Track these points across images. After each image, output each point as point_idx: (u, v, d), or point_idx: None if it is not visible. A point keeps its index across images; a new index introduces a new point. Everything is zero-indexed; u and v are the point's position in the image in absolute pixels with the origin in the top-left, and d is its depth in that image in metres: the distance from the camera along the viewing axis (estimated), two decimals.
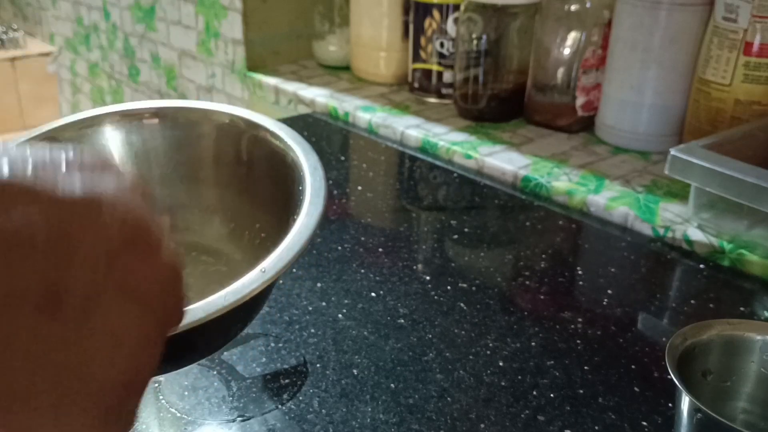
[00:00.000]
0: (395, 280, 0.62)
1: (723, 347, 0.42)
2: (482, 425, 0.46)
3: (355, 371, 0.51)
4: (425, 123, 0.94)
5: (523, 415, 0.47)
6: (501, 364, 0.52)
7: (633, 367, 0.52)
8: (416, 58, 1.02)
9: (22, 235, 0.17)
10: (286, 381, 0.50)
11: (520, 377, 0.51)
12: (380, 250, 0.67)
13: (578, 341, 0.55)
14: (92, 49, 1.71)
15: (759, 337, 0.42)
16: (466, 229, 0.72)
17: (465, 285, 0.62)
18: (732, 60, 0.73)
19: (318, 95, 1.04)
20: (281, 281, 0.61)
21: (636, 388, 0.50)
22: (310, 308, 0.58)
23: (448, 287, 0.61)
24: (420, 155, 0.89)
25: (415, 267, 0.65)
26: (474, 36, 0.91)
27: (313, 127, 0.99)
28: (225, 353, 0.53)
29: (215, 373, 0.51)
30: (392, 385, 0.50)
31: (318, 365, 0.52)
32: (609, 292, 0.62)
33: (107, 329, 0.19)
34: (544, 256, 0.67)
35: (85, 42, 1.73)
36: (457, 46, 0.94)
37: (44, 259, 0.17)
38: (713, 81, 0.75)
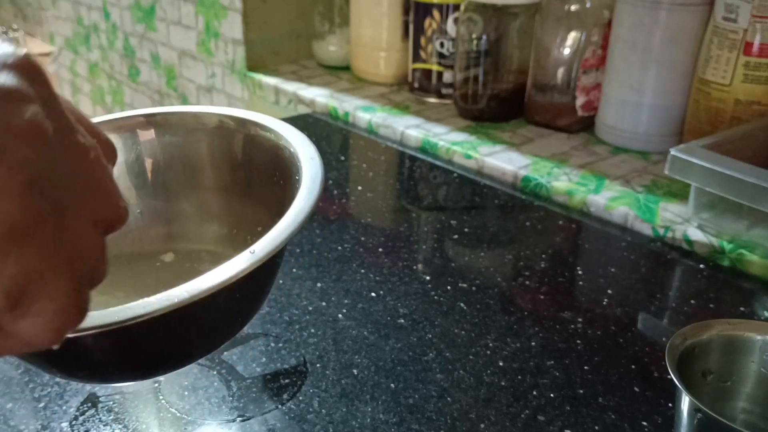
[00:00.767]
0: (395, 280, 0.62)
1: (723, 347, 0.42)
2: (482, 425, 0.46)
3: (355, 371, 0.51)
4: (425, 123, 0.94)
5: (523, 415, 0.47)
6: (501, 364, 0.52)
7: (633, 367, 0.52)
8: (416, 58, 1.02)
9: None
10: (286, 381, 0.50)
11: (520, 377, 0.51)
12: (380, 250, 0.67)
13: (578, 341, 0.55)
14: (92, 49, 1.71)
15: (759, 337, 0.42)
16: (466, 229, 0.72)
17: (465, 285, 0.62)
18: (732, 60, 0.73)
19: (318, 95, 1.04)
20: (281, 281, 0.61)
21: (636, 388, 0.50)
22: (310, 308, 0.58)
23: (448, 287, 0.61)
24: (420, 155, 0.89)
25: (415, 267, 0.65)
26: (474, 36, 0.91)
27: (313, 127, 0.99)
28: (225, 353, 0.53)
29: (215, 373, 0.51)
30: (392, 385, 0.50)
31: (318, 365, 0.52)
32: (609, 292, 0.62)
33: None
34: (544, 256, 0.67)
35: (85, 42, 1.72)
36: (457, 46, 0.94)
37: None
38: (713, 81, 0.76)
